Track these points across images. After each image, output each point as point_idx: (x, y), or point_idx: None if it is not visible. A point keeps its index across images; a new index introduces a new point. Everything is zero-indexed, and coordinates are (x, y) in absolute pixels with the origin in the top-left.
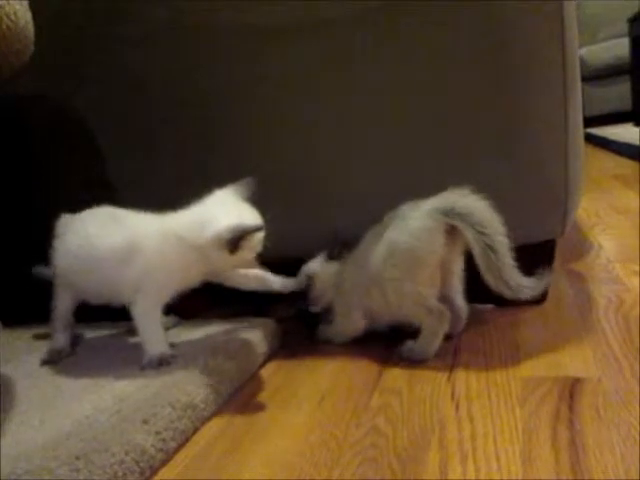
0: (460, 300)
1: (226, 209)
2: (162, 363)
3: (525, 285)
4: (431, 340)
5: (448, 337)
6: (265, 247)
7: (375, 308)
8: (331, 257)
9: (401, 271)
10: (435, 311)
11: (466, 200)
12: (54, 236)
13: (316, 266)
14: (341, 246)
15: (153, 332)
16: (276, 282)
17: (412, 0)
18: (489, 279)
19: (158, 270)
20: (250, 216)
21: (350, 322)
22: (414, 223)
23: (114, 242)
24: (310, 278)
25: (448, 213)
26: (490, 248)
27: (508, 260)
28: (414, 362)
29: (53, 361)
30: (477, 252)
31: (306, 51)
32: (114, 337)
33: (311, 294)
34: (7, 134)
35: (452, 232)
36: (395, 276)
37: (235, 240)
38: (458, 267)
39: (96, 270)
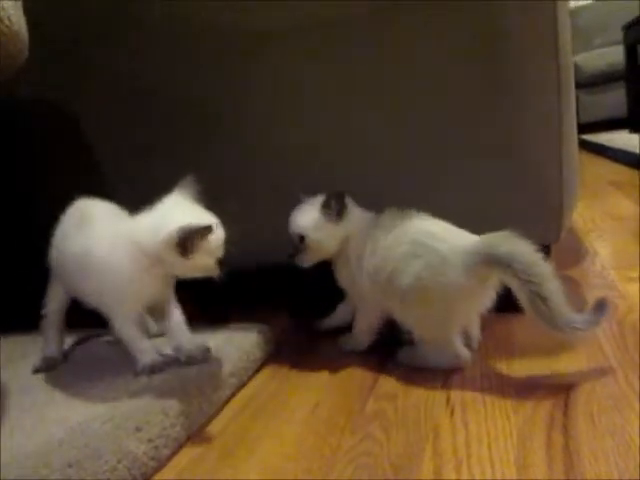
0: (476, 331)
1: (180, 212)
2: (155, 371)
3: (579, 325)
4: (436, 361)
5: None
6: (229, 252)
7: (395, 316)
8: (327, 207)
9: (433, 311)
10: (462, 358)
11: (508, 245)
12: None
13: (309, 225)
14: (337, 199)
15: (137, 343)
16: (185, 347)
17: (410, 2)
18: (540, 322)
19: (112, 283)
20: (204, 218)
21: (367, 321)
22: (452, 269)
23: (74, 248)
24: (302, 238)
25: (490, 261)
26: (538, 295)
27: (558, 305)
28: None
29: (46, 369)
30: (523, 300)
31: (305, 53)
32: (107, 343)
33: (302, 254)
34: (6, 137)
35: (489, 276)
36: (426, 313)
37: (184, 241)
38: (484, 308)
39: (67, 272)
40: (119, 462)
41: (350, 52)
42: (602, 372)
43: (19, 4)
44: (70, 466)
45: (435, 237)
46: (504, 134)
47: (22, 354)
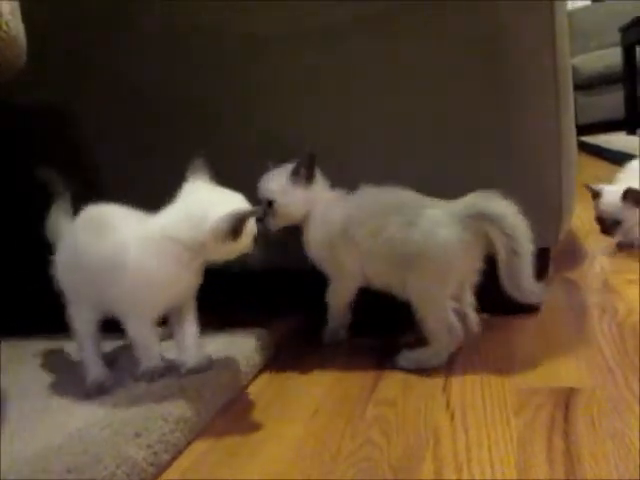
0: (472, 313)
1: (214, 198)
2: (154, 377)
3: (535, 291)
4: (435, 357)
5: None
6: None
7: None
8: (296, 173)
9: (430, 279)
10: (454, 333)
11: (495, 204)
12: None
13: (277, 189)
14: (309, 164)
15: (147, 347)
16: (188, 363)
17: (410, 7)
18: (504, 281)
19: (145, 284)
20: (235, 198)
21: (343, 294)
22: (448, 228)
23: (100, 253)
24: (271, 202)
25: (480, 218)
26: (514, 252)
27: (527, 266)
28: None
29: (98, 393)
30: (502, 257)
31: (305, 58)
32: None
33: (270, 218)
34: (6, 138)
35: (480, 232)
36: (423, 283)
37: (236, 227)
38: (474, 277)
39: (92, 282)
40: (118, 468)
41: (350, 53)
42: (602, 375)
43: (17, 9)
44: (69, 472)
45: (424, 204)
46: (503, 135)
47: (21, 359)
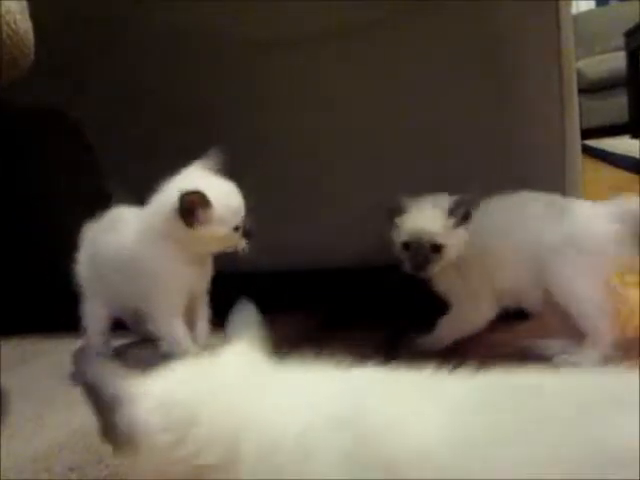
0: None
1: (184, 181)
2: None
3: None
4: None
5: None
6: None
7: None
8: (453, 214)
9: (579, 271)
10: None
11: None
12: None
13: (443, 232)
14: (468, 206)
15: (177, 342)
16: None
17: (414, 17)
18: None
19: (150, 275)
20: (213, 185)
21: (477, 310)
22: (599, 223)
23: (113, 252)
24: (437, 247)
25: (630, 217)
26: None
27: None
28: None
29: None
30: None
31: (306, 62)
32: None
33: (432, 265)
34: (7, 143)
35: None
36: (568, 274)
37: (185, 208)
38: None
39: (109, 280)
40: (120, 466)
41: (349, 56)
42: None
43: (25, 7)
44: (71, 470)
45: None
46: (506, 140)
47: (22, 358)
